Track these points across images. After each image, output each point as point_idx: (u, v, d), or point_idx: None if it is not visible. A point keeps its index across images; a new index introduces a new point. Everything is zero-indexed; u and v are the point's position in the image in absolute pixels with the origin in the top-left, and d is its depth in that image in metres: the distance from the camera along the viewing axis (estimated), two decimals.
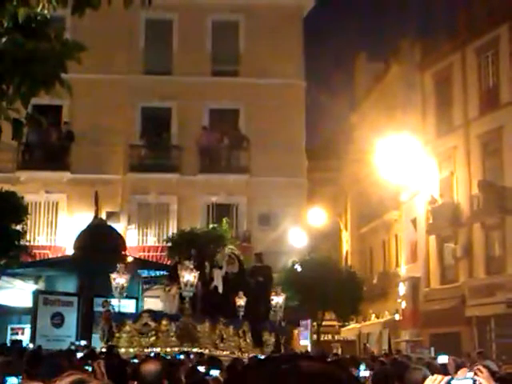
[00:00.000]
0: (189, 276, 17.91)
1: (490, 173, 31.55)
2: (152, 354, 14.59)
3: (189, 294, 18.02)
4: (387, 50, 42.69)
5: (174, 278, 18.94)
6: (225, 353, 17.24)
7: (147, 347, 17.28)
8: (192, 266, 18.07)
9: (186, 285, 17.95)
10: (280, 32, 33.06)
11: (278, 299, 21.47)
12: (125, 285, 18.57)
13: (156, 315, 18.20)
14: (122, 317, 18.69)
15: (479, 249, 31.76)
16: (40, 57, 5.69)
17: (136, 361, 12.17)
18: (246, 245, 25.45)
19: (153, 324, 17.81)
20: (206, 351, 16.73)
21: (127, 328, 17.85)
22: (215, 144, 32.39)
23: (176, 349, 16.51)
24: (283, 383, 1.47)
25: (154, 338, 17.63)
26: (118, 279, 18.53)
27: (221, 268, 19.82)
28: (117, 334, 17.87)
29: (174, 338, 17.51)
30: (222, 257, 20.15)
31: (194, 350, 16.74)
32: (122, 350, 16.64)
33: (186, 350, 16.36)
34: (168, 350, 16.43)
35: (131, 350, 17.09)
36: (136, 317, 18.67)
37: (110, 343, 17.42)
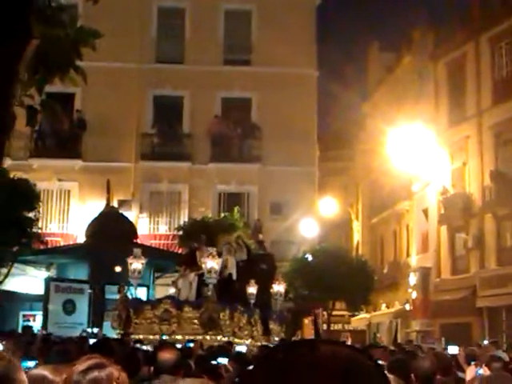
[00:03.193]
0: (212, 262, 17.62)
1: (503, 163, 31.39)
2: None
3: (213, 281, 17.66)
4: (400, 40, 42.46)
5: (190, 264, 18.73)
6: (242, 341, 17.09)
7: (168, 334, 16.94)
8: (215, 253, 17.79)
9: (209, 271, 17.59)
10: (292, 21, 32.94)
11: (278, 287, 21.39)
12: (141, 270, 18.33)
13: (177, 302, 17.95)
14: (140, 303, 18.49)
15: (491, 239, 31.65)
16: (55, 43, 5.69)
17: (145, 348, 12.18)
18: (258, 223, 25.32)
19: (174, 311, 17.57)
20: (226, 339, 16.47)
21: (147, 314, 17.61)
22: (226, 132, 32.38)
23: (201, 337, 16.22)
24: (300, 368, 1.34)
25: (175, 325, 17.37)
26: (135, 264, 18.30)
27: (220, 255, 19.53)
28: (135, 321, 17.64)
29: (196, 326, 17.26)
30: (223, 244, 19.85)
31: (219, 337, 16.53)
32: (141, 337, 16.44)
33: (209, 337, 16.22)
34: (191, 337, 15.86)
35: (151, 336, 16.73)
36: (155, 303, 18.40)
37: (127, 330, 17.25)
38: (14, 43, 2.70)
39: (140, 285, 21.24)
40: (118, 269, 21.89)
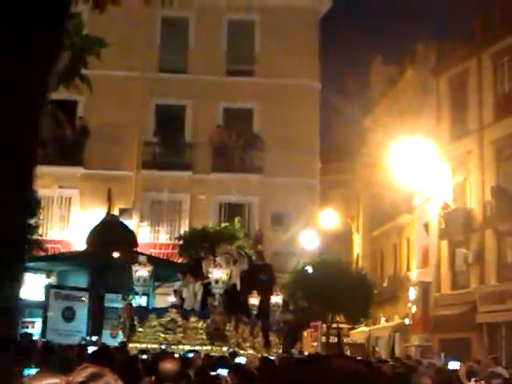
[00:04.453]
0: (220, 272, 17.49)
1: (504, 179, 31.38)
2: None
3: (220, 291, 17.55)
4: (403, 54, 42.54)
5: (195, 273, 18.60)
6: (246, 352, 16.93)
7: (174, 344, 16.78)
8: (223, 263, 17.67)
9: (216, 282, 17.45)
10: (295, 33, 33.02)
11: (276, 299, 21.24)
12: (147, 278, 18.10)
13: (183, 311, 17.82)
14: (145, 311, 18.32)
15: (491, 255, 31.59)
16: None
17: (145, 356, 12.11)
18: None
19: (180, 320, 17.43)
20: (231, 350, 16.31)
21: (152, 323, 17.44)
22: (228, 143, 32.39)
23: (208, 347, 16.09)
24: (317, 382, 1.44)
25: (181, 335, 17.21)
26: (141, 271, 18.05)
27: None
28: (140, 329, 17.46)
29: (203, 336, 17.08)
30: (221, 253, 19.72)
31: (224, 348, 16.37)
32: (144, 346, 16.26)
33: (215, 348, 16.12)
34: (197, 347, 15.62)
35: (155, 346, 16.50)
36: (161, 312, 18.28)
37: (131, 338, 17.10)
38: (48, 56, 2.65)
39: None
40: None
